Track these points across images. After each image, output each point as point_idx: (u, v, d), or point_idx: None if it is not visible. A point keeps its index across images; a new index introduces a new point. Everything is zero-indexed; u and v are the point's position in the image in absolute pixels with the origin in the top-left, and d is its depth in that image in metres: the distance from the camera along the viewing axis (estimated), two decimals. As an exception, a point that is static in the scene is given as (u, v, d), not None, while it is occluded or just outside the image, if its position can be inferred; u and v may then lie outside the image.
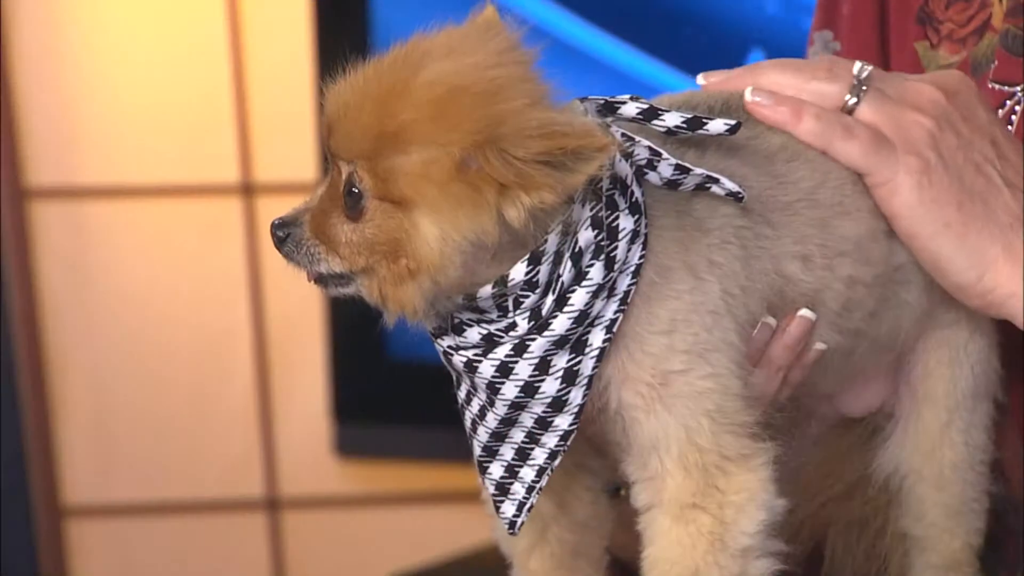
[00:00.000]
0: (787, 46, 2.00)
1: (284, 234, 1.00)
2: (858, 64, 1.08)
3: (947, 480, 1.16)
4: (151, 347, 2.48)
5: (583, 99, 1.01)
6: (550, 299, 0.98)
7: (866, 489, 1.21)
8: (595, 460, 1.13)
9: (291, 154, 2.38)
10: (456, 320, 1.00)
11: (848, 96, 1.07)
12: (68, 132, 2.41)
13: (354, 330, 2.38)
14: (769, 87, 1.07)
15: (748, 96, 1.07)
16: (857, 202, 1.08)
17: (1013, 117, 1.19)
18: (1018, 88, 1.20)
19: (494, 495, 1.05)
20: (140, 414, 2.51)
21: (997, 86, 1.20)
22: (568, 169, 0.94)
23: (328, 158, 1.01)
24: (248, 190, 2.43)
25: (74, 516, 2.54)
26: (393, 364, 2.38)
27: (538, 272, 0.97)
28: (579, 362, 1.00)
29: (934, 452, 1.16)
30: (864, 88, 1.07)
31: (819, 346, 1.09)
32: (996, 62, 1.20)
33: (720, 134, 1.02)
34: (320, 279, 1.01)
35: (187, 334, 2.48)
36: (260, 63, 2.39)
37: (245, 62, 2.39)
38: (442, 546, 2.39)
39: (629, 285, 0.99)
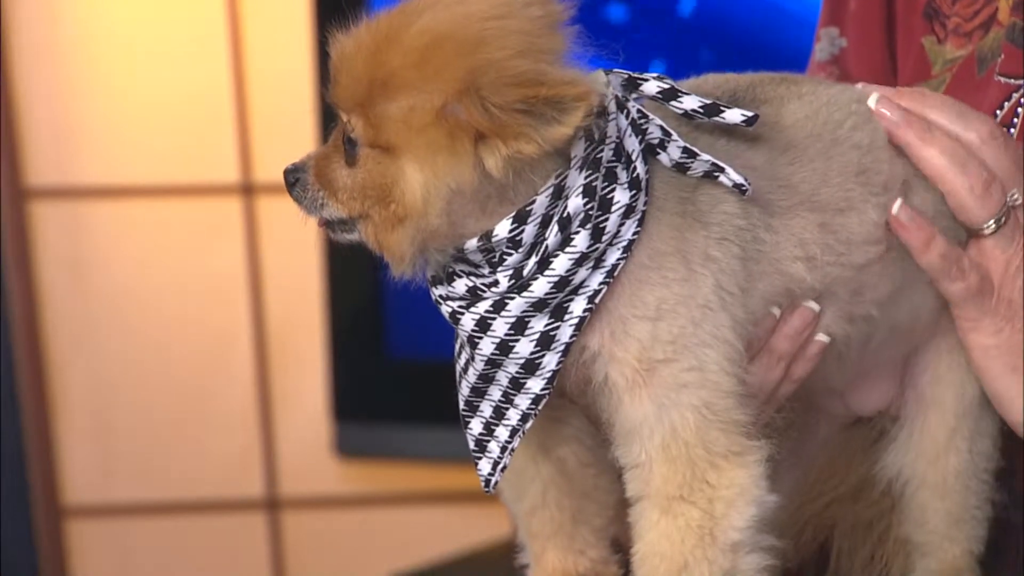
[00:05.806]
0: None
1: (294, 179, 1.04)
2: (1015, 192, 1.09)
3: (950, 488, 1.16)
4: (151, 347, 2.48)
5: (608, 71, 1.01)
6: (532, 261, 0.99)
7: (871, 492, 1.21)
8: (592, 438, 1.13)
9: (291, 154, 2.36)
10: (449, 270, 1.02)
11: (989, 223, 1.09)
12: (68, 132, 2.41)
13: (354, 330, 2.38)
14: (932, 170, 1.08)
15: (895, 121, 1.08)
16: (861, 193, 1.07)
17: (1020, 110, 1.20)
18: (1023, 81, 1.20)
19: (473, 451, 1.06)
20: (140, 414, 2.50)
21: (1003, 79, 1.21)
22: (550, 120, 0.94)
23: (333, 107, 1.03)
24: (248, 190, 2.43)
25: (74, 516, 2.54)
26: (393, 364, 2.38)
27: (523, 231, 0.98)
28: (557, 328, 1.00)
29: (938, 459, 1.15)
30: (1004, 220, 1.09)
31: (822, 338, 1.08)
32: (1003, 55, 1.21)
33: (736, 124, 1.02)
34: (327, 225, 1.04)
35: (187, 334, 2.48)
36: (260, 63, 2.39)
37: (245, 62, 2.39)
38: (442, 546, 2.39)
39: (618, 259, 1.00)
